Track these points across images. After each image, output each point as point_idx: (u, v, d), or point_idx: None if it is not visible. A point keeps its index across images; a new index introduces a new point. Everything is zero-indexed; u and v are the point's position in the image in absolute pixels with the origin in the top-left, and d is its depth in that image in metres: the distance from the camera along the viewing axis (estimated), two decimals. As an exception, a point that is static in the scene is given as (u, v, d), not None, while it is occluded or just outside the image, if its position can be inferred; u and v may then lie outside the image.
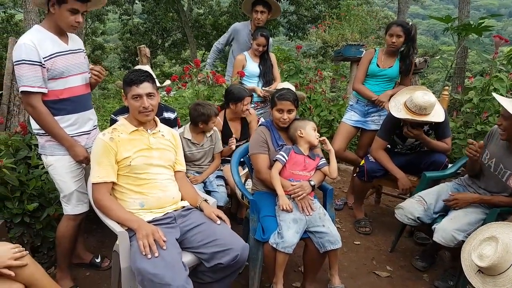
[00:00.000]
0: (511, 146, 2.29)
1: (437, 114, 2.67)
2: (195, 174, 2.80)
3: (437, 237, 2.28)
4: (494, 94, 2.41)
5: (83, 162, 2.17)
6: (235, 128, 3.04)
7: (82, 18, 2.05)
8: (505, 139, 2.28)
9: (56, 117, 2.06)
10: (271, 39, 3.68)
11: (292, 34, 15.71)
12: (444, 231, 2.26)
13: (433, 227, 2.35)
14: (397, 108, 2.73)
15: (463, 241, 2.19)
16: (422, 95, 2.61)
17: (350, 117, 3.42)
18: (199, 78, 3.43)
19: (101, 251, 2.66)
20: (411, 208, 2.50)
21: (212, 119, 2.68)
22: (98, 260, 2.54)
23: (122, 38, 18.36)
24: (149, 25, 17.19)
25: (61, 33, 2.09)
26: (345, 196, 3.68)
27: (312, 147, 2.37)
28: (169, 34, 18.21)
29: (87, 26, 17.46)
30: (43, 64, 1.97)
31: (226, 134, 3.00)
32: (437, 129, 2.88)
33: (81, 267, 2.53)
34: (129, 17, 18.53)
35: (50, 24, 2.04)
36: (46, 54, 1.98)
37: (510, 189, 2.28)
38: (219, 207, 2.55)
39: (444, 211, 2.48)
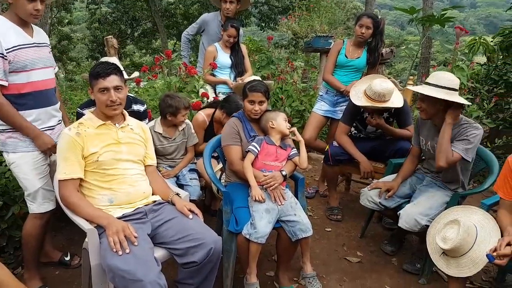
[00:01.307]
0: (435, 124, 2.43)
1: (396, 100, 2.78)
2: (167, 168, 2.76)
3: (402, 223, 2.37)
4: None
5: (51, 151, 2.11)
6: (217, 128, 2.99)
7: (42, 6, 1.96)
8: (427, 118, 2.42)
9: (19, 112, 1.99)
10: (241, 30, 3.66)
11: (263, 25, 15.64)
12: (408, 216, 2.35)
13: (398, 213, 2.43)
14: (357, 96, 2.83)
15: (426, 226, 2.29)
16: (380, 83, 2.71)
17: (320, 107, 3.49)
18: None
19: (70, 249, 2.60)
20: (372, 192, 2.62)
21: (181, 111, 2.63)
22: (67, 258, 2.48)
23: (90, 27, 17.74)
24: (118, 14, 16.64)
25: (25, 25, 2.01)
26: (317, 185, 3.75)
27: (283, 138, 2.39)
28: (139, 24, 17.71)
29: (53, 16, 16.73)
30: (5, 56, 1.88)
31: (208, 133, 2.96)
32: (399, 117, 2.99)
33: (50, 266, 2.47)
34: (96, 6, 17.87)
35: (12, 15, 1.96)
36: (9, 45, 1.90)
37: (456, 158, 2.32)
38: (192, 200, 2.53)
39: (408, 197, 2.59)
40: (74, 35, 20.62)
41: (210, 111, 2.97)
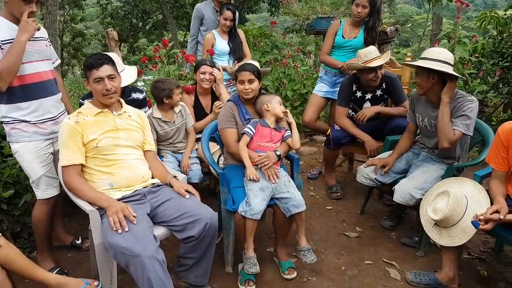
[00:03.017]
0: (430, 100, 2.45)
1: (382, 59, 2.86)
2: (171, 153, 2.87)
3: (397, 197, 2.42)
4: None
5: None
6: (206, 103, 3.09)
7: (37, 7, 2.06)
8: (422, 94, 2.44)
9: (18, 104, 2.11)
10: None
11: (273, 10, 15.48)
12: (402, 191, 2.39)
13: (393, 188, 2.48)
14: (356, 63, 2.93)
15: (421, 199, 2.32)
16: (367, 48, 2.89)
17: (320, 89, 3.52)
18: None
19: (82, 233, 2.74)
20: (368, 168, 2.67)
21: (175, 91, 2.73)
22: (78, 242, 2.63)
23: (103, 22, 18.04)
24: (128, 8, 16.89)
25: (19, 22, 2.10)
26: (321, 166, 3.80)
27: (278, 120, 2.45)
28: (149, 16, 17.91)
29: (65, 13, 17.06)
30: (1, 46, 1.99)
31: (197, 109, 3.07)
32: (392, 94, 3.02)
33: (63, 249, 2.62)
34: (107, 1, 18.14)
35: (7, 13, 2.06)
36: (4, 38, 2.00)
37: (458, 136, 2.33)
38: (193, 183, 2.65)
39: (404, 172, 2.62)
40: (87, 31, 20.96)
41: (192, 89, 3.10)
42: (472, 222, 1.93)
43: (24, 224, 2.56)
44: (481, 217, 1.89)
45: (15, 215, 2.49)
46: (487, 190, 2.11)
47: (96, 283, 1.95)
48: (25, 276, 1.80)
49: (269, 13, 16.05)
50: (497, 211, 1.88)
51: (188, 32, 17.63)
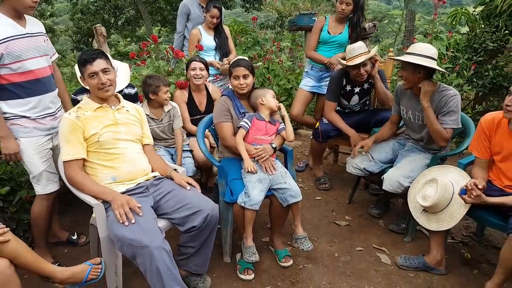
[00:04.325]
0: (416, 93, 2.57)
1: (363, 56, 2.91)
2: (163, 148, 2.89)
3: (386, 186, 2.54)
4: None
5: (12, 158, 2.17)
6: (200, 100, 3.12)
7: None
8: (408, 88, 2.56)
9: (17, 100, 2.10)
10: (224, 10, 3.74)
11: (248, 6, 15.49)
12: (391, 179, 2.52)
13: (382, 177, 2.60)
14: (342, 62, 3.02)
15: (409, 187, 2.45)
16: (354, 44, 2.96)
17: (306, 83, 3.62)
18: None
19: (76, 229, 2.74)
20: (356, 159, 2.79)
21: (161, 88, 2.72)
22: (74, 237, 2.64)
23: (74, 18, 17.47)
24: (100, 3, 16.41)
25: (18, 17, 2.10)
26: (307, 159, 3.92)
27: (272, 113, 2.53)
28: (122, 12, 17.49)
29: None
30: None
31: (191, 106, 3.10)
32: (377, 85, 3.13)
33: (59, 245, 2.62)
34: (78, -4, 17.62)
35: (6, 8, 2.04)
36: (6, 35, 1.99)
37: (451, 132, 2.48)
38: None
39: (391, 162, 2.76)
40: (57, 27, 20.27)
41: (185, 84, 3.13)
42: (461, 191, 2.12)
43: (19, 221, 2.53)
44: (471, 185, 2.06)
45: (10, 212, 2.47)
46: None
47: (98, 260, 1.97)
48: (33, 270, 1.81)
49: (244, 9, 16.07)
50: (475, 185, 2.06)
51: (162, 28, 17.43)
